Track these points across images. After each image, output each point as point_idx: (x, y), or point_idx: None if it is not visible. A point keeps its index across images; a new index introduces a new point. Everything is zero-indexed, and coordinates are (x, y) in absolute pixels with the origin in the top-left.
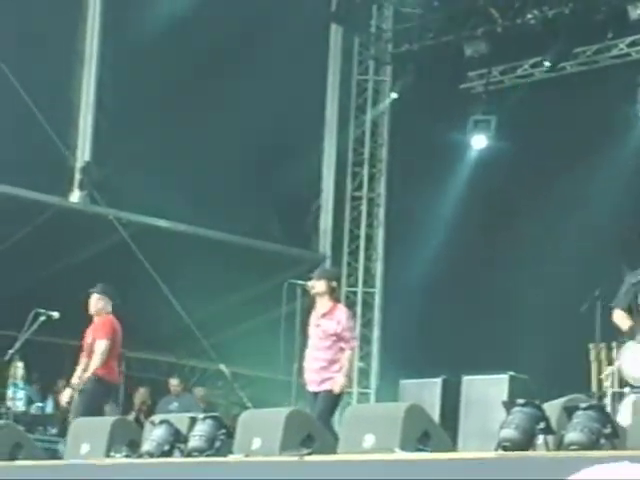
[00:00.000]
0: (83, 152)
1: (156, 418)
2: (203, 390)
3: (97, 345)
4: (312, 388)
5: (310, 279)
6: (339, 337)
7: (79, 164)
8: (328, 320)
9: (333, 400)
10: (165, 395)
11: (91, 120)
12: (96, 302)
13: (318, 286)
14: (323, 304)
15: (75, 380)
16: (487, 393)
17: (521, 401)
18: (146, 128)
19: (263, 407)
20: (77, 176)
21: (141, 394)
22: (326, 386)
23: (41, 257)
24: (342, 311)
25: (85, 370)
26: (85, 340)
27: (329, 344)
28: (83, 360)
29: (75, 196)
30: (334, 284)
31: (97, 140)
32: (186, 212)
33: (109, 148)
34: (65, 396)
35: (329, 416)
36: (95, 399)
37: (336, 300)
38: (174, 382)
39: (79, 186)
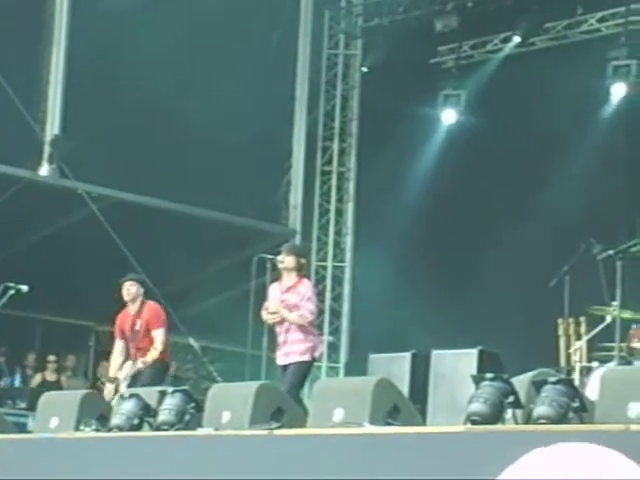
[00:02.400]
0: (52, 125)
1: (125, 392)
2: (174, 364)
3: (156, 334)
4: (280, 361)
5: (279, 253)
6: (298, 309)
7: (48, 137)
8: (291, 294)
9: (302, 372)
10: None
11: (60, 93)
12: (129, 288)
13: (287, 261)
14: (289, 279)
15: (119, 373)
16: (456, 367)
17: (490, 375)
18: (116, 101)
19: (232, 381)
20: (46, 149)
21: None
22: (293, 358)
23: (10, 231)
24: (305, 284)
25: (138, 359)
26: (121, 326)
27: None
28: (125, 348)
29: (44, 170)
30: (303, 261)
31: (66, 113)
32: (155, 186)
33: (78, 121)
34: (110, 391)
35: (299, 389)
36: (159, 382)
37: (303, 276)
38: None
39: (48, 160)
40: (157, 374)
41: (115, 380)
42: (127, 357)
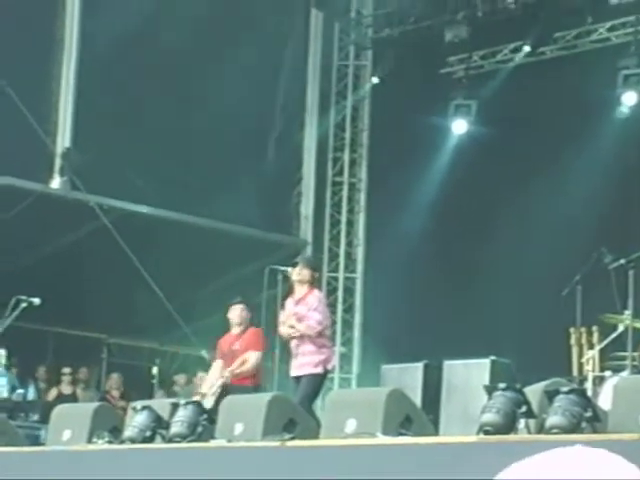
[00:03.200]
0: (63, 138)
1: (138, 404)
2: (184, 377)
3: (251, 355)
4: (294, 373)
5: (294, 265)
6: (307, 319)
7: (59, 150)
8: (301, 306)
9: (315, 384)
10: (145, 381)
11: (71, 106)
12: (241, 312)
13: (303, 274)
14: (301, 291)
15: (210, 389)
16: (469, 377)
17: (502, 385)
18: (126, 114)
19: None
20: (57, 162)
21: (113, 380)
22: (306, 370)
23: (22, 244)
24: (314, 295)
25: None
26: (223, 346)
27: None
28: (221, 367)
29: (56, 182)
30: (317, 275)
31: (77, 126)
32: (167, 198)
33: (89, 134)
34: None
35: (311, 401)
36: None
37: (314, 288)
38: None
39: (60, 172)
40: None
41: (203, 396)
42: None
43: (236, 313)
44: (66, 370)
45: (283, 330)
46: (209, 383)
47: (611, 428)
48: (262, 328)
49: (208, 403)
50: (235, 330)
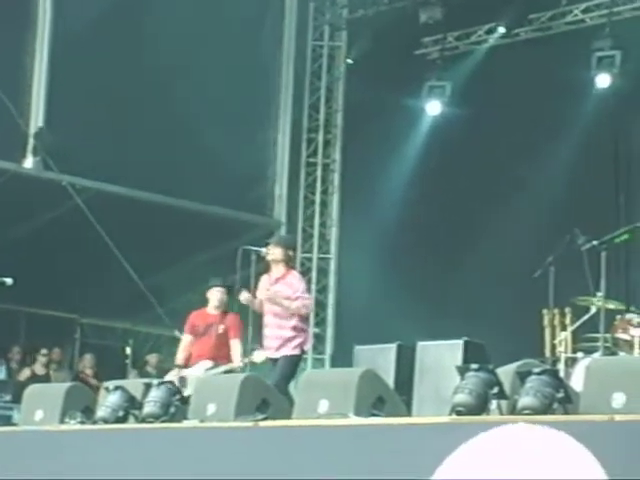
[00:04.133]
0: (36, 118)
1: (110, 384)
2: (156, 356)
3: (234, 345)
4: (270, 354)
5: (267, 245)
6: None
7: (32, 130)
8: (281, 285)
9: (292, 366)
10: (118, 361)
11: (44, 86)
12: (222, 296)
13: (275, 253)
14: (278, 270)
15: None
16: (442, 358)
17: (475, 366)
18: (99, 94)
19: None
20: (30, 142)
21: (86, 360)
22: (284, 352)
23: None
24: (294, 276)
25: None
26: (196, 322)
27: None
28: (191, 344)
29: (28, 162)
30: (291, 253)
31: (50, 106)
32: (140, 178)
33: (62, 114)
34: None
35: (288, 381)
36: None
37: (291, 268)
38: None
39: (32, 152)
40: None
41: (181, 368)
42: (190, 353)
43: (217, 296)
44: (43, 351)
45: (261, 295)
46: (180, 359)
47: (582, 409)
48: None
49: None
50: (212, 311)
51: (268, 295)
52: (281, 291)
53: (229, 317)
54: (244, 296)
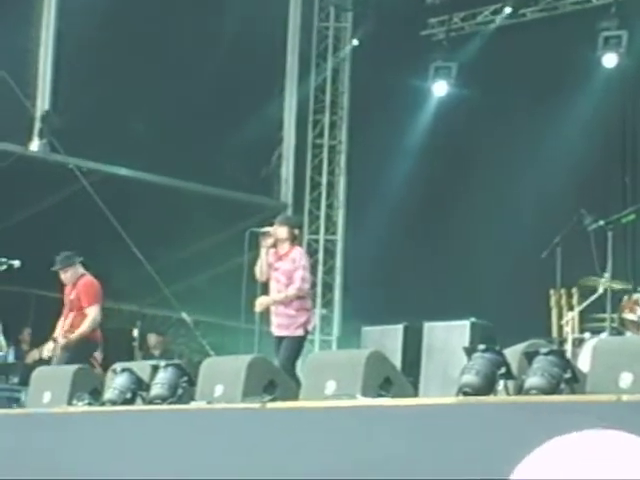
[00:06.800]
0: (43, 100)
1: (118, 366)
2: (155, 336)
3: (89, 311)
4: (277, 332)
5: (272, 224)
6: (293, 279)
7: (39, 113)
8: (285, 262)
9: (297, 346)
10: (126, 344)
11: (50, 69)
12: (65, 276)
13: (280, 232)
14: (282, 248)
15: (60, 336)
16: (449, 339)
17: (482, 347)
18: (106, 76)
19: (225, 355)
20: (37, 125)
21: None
22: (290, 331)
23: (1, 206)
24: (298, 251)
25: (72, 327)
26: (66, 295)
27: (288, 285)
28: (67, 314)
29: (35, 145)
30: (296, 232)
31: (57, 88)
32: (147, 160)
33: (69, 96)
34: (47, 349)
35: (293, 362)
36: (80, 358)
37: (296, 245)
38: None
39: (39, 135)
40: (76, 355)
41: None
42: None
43: (62, 278)
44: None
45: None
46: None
47: (589, 389)
48: (87, 276)
49: (47, 350)
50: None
51: (261, 309)
52: (283, 267)
53: (79, 284)
54: (259, 305)
